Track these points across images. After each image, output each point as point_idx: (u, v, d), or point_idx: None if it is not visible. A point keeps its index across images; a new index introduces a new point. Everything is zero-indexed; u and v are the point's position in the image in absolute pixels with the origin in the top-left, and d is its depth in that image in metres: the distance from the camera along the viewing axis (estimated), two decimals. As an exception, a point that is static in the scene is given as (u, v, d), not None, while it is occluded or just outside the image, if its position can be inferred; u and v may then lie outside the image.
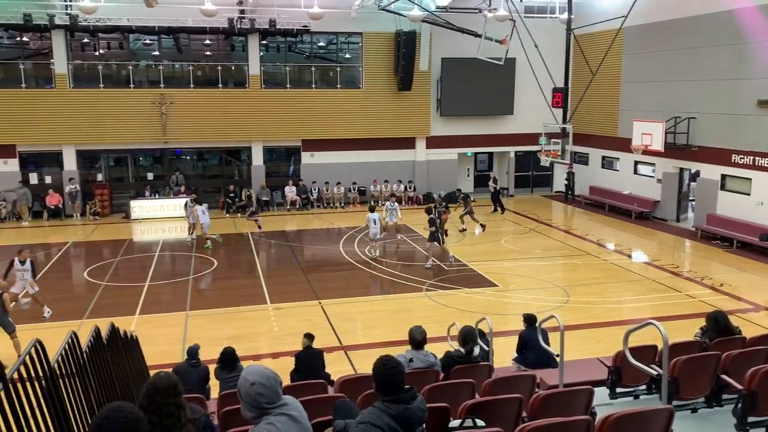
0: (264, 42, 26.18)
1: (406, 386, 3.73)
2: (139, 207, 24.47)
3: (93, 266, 17.88)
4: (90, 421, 4.20)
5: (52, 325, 12.73)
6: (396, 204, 20.81)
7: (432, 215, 17.65)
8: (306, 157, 27.10)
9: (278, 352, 11.68)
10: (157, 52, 25.94)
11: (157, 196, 25.21)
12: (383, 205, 21.70)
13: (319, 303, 14.57)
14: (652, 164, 24.15)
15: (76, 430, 3.87)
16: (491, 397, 5.51)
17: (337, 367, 10.02)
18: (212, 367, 8.75)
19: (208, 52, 26.86)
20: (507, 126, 28.64)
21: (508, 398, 5.15)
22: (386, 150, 27.37)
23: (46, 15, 22.58)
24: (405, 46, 25.70)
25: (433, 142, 28.02)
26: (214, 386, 8.81)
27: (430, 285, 15.77)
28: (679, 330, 9.98)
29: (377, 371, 3.74)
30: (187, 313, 13.96)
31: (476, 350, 7.05)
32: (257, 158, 26.66)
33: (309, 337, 9.18)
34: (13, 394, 3.00)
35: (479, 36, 23.60)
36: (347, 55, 27.91)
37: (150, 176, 26.50)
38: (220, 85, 25.85)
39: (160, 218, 24.07)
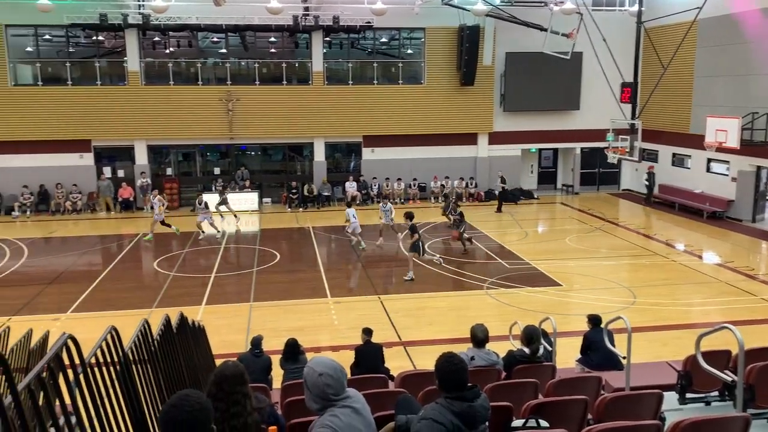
0: (327, 39, 26.45)
1: (469, 384, 3.70)
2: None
3: (162, 257, 18.53)
4: (159, 407, 4.35)
5: (124, 313, 13.26)
6: (390, 205, 20.17)
7: (413, 222, 16.19)
8: (367, 153, 27.25)
9: (338, 345, 11.80)
10: (224, 50, 26.60)
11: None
12: (383, 203, 20.46)
13: (379, 298, 14.63)
14: (727, 162, 23.11)
15: (147, 414, 4.00)
16: (555, 397, 5.40)
17: (396, 363, 10.04)
18: (275, 358, 8.92)
19: (272, 50, 27.36)
20: (573, 122, 27.99)
21: (573, 399, 5.04)
22: (447, 146, 27.21)
23: (120, 15, 23.51)
24: (468, 40, 25.46)
25: (496, 138, 27.68)
26: (277, 377, 9.02)
27: (491, 283, 15.60)
28: (754, 335, 9.54)
29: (440, 368, 3.72)
30: (250, 304, 14.28)
31: (540, 350, 6.93)
32: (319, 154, 26.99)
33: (368, 332, 9.24)
34: (91, 378, 3.13)
35: (545, 30, 23.14)
36: (409, 51, 27.88)
37: (217, 171, 27.23)
38: (284, 82, 26.29)
39: (225, 212, 24.64)
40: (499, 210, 25.08)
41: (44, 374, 2.66)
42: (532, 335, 6.91)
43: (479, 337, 6.71)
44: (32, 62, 25.19)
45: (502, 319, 12.01)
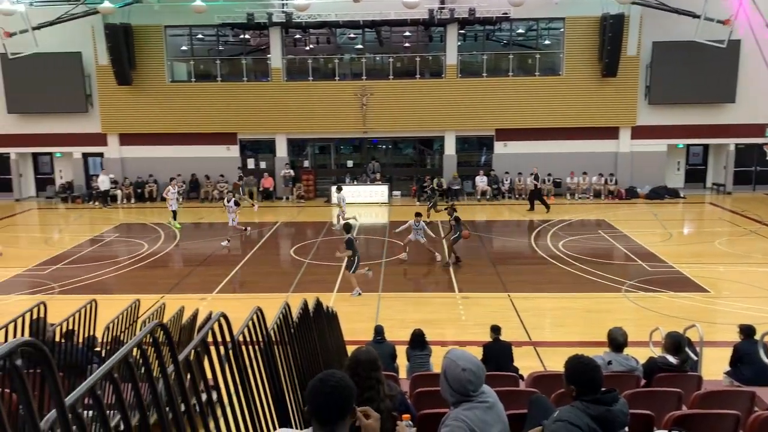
0: (462, 31, 26.28)
1: (604, 388, 3.54)
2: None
3: (298, 245, 19.36)
4: (297, 386, 4.54)
5: (262, 296, 14.01)
6: (422, 223, 17.19)
7: (351, 234, 14.61)
8: (499, 147, 26.80)
9: (464, 340, 11.70)
10: (360, 46, 27.26)
11: (355, 183, 26.59)
12: (415, 221, 17.10)
13: (508, 296, 14.34)
14: None
15: (286, 393, 4.19)
16: (702, 410, 5.02)
17: (525, 362, 9.80)
18: (399, 348, 9.06)
19: (407, 44, 27.64)
20: (727, 115, 25.76)
21: (724, 414, 4.65)
22: (585, 140, 26.08)
23: (265, 14, 24.81)
24: (611, 30, 24.21)
25: (639, 132, 26.11)
26: (401, 367, 9.16)
27: (630, 286, 14.77)
28: None
29: (572, 368, 3.59)
30: (379, 294, 14.55)
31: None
32: (449, 147, 26.93)
33: (496, 329, 9.11)
34: (239, 356, 3.32)
35: (698, 17, 21.47)
36: (547, 42, 27.02)
37: (350, 164, 28.03)
38: (417, 76, 26.47)
39: (357, 203, 25.32)
40: (531, 209, 23.64)
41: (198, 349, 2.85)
42: (678, 343, 6.44)
43: (619, 341, 6.37)
44: (186, 60, 27.24)
45: (641, 324, 11.34)
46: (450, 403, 3.47)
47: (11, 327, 4.79)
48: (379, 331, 9.12)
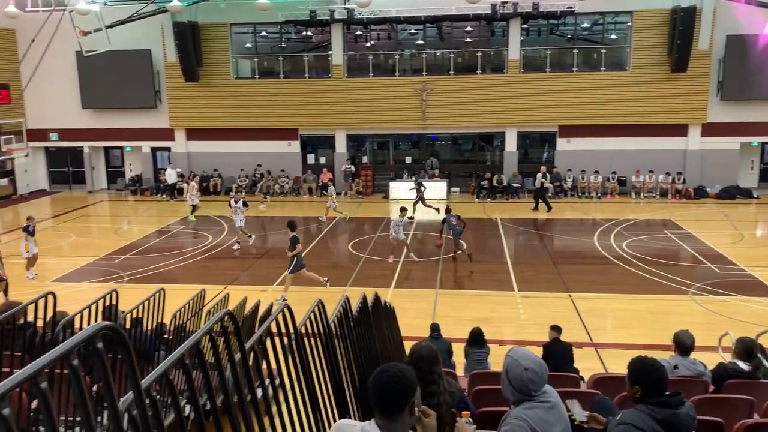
0: (525, 26, 25.86)
1: (669, 392, 3.44)
2: (396, 188, 26.06)
3: (356, 240, 19.51)
4: (356, 378, 4.57)
5: (316, 289, 14.17)
6: (405, 219, 17.22)
7: (294, 233, 14.01)
8: (562, 144, 26.24)
9: (522, 340, 11.54)
10: (421, 41, 27.19)
11: (413, 179, 26.51)
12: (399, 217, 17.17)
13: (569, 296, 14.05)
14: None
15: (345, 385, 4.23)
16: (778, 421, 4.78)
17: (585, 364, 9.60)
18: (456, 346, 9.03)
19: (468, 39, 27.39)
20: (807, 112, 24.44)
21: (802, 426, 4.42)
22: (652, 137, 25.22)
23: (327, 11, 25.05)
24: (682, 23, 23.30)
25: (710, 130, 25.06)
26: (458, 365, 9.12)
27: (697, 288, 14.24)
28: None
29: (637, 367, 3.51)
30: (436, 291, 14.51)
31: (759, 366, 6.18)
32: (510, 144, 26.55)
33: (557, 329, 8.96)
34: (302, 346, 3.38)
35: (776, 8, 20.41)
36: (613, 36, 26.26)
37: (408, 160, 28.02)
38: (479, 71, 26.19)
39: (414, 200, 25.27)
40: (537, 208, 23.12)
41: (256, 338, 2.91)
42: (750, 348, 6.17)
43: (686, 345, 6.14)
44: (251, 57, 27.80)
45: (709, 328, 10.92)
46: (511, 402, 3.44)
47: (86, 313, 5.02)
48: (435, 327, 9.14)
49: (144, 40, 26.23)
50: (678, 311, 13.01)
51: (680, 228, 19.94)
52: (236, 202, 18.67)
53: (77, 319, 4.95)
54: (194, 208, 21.99)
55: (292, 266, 13.88)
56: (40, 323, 4.97)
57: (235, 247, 18.47)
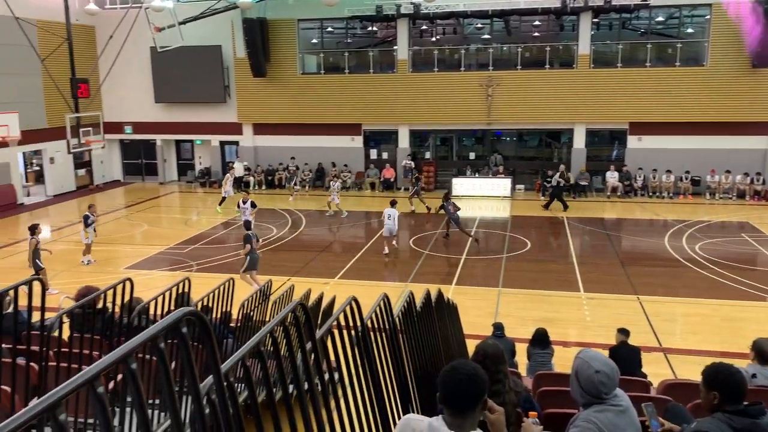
0: (596, 20, 25.15)
1: (747, 402, 3.28)
2: (459, 184, 25.87)
3: (417, 236, 19.49)
4: (420, 373, 4.56)
5: (382, 284, 14.27)
6: (395, 211, 17.07)
7: (250, 231, 13.94)
8: (632, 141, 25.41)
9: (587, 342, 11.26)
10: (487, 36, 26.85)
11: (476, 176, 26.31)
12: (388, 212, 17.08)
13: (638, 298, 13.62)
14: None
15: (408, 380, 4.23)
16: None
17: (654, 369, 9.27)
18: (518, 346, 8.89)
19: (536, 33, 26.86)
20: None
21: None
22: (730, 136, 24.09)
23: (393, 5, 25.05)
24: (767, 15, 22.14)
25: (793, 129, 23.77)
26: (521, 365, 8.99)
27: (776, 294, 13.54)
28: None
29: (714, 372, 3.36)
30: (499, 289, 14.33)
31: None
32: (578, 141, 25.91)
33: (624, 332, 8.71)
34: (368, 340, 3.39)
35: None
36: (690, 30, 25.22)
37: (472, 156, 27.76)
38: (547, 66, 25.65)
39: (478, 196, 25.04)
40: (548, 208, 22.61)
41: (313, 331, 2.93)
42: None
43: (767, 353, 5.84)
44: (317, 53, 28.14)
45: (790, 337, 10.35)
46: (579, 404, 3.35)
47: (160, 299, 5.20)
48: (498, 326, 9.05)
49: (214, 36, 26.94)
50: (754, 318, 12.42)
51: (758, 231, 19.01)
52: (244, 202, 18.37)
53: (152, 305, 5.14)
54: (223, 199, 22.48)
55: (245, 265, 13.73)
56: (113, 308, 5.17)
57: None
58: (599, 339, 10.93)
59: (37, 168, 28.87)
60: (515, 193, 25.80)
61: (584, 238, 19.55)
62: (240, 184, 27.30)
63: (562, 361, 9.52)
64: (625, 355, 8.32)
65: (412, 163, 26.84)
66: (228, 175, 23.73)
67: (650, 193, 24.77)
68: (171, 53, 25.04)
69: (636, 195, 24.74)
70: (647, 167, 24.86)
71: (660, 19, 25.53)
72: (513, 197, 25.38)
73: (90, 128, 24.03)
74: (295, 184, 26.35)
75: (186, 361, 1.46)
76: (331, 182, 23.13)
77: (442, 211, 18.56)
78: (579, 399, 3.29)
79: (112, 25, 24.35)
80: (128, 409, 3.85)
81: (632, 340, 8.80)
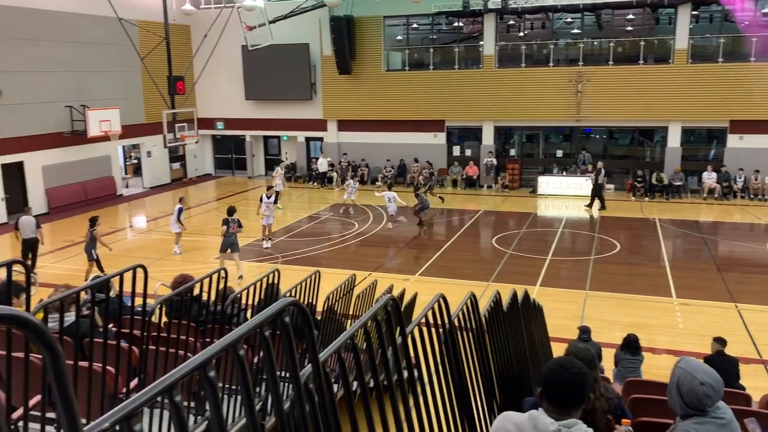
0: (695, 12, 23.88)
1: None
2: (545, 183, 25.28)
3: (500, 235, 19.19)
4: (506, 373, 4.48)
5: (463, 282, 14.13)
6: (393, 194, 19.85)
7: (228, 217, 14.87)
8: (733, 140, 23.97)
9: (678, 350, 10.76)
10: (577, 30, 26.06)
11: (564, 174, 25.61)
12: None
13: (736, 306, 12.86)
14: None
15: (493, 378, 4.17)
16: None
17: (753, 382, 8.73)
18: (605, 351, 8.60)
19: (629, 27, 25.81)
20: None
21: None
22: None
23: (481, 1, 24.74)
24: None
25: None
26: (606, 370, 8.69)
27: None
28: None
29: None
30: (586, 292, 13.90)
31: None
32: (673, 139, 24.71)
33: (721, 341, 8.24)
34: (455, 338, 3.36)
35: None
36: (800, 22, 23.50)
37: (559, 153, 27.04)
38: (641, 62, 24.61)
39: (564, 195, 24.39)
40: (590, 205, 22.23)
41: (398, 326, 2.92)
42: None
43: None
44: (401, 49, 28.21)
45: None
46: (677, 415, 3.19)
47: (251, 289, 5.37)
48: (585, 330, 8.79)
49: (302, 34, 27.52)
50: None
51: None
52: (268, 197, 17.79)
53: (243, 295, 5.31)
54: (277, 194, 22.40)
55: (220, 247, 15.04)
56: (208, 297, 5.37)
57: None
58: (692, 347, 10.44)
59: (135, 161, 30.48)
60: (604, 193, 24.90)
61: (677, 240, 18.65)
62: (324, 179, 27.82)
63: (651, 369, 9.13)
64: (722, 366, 7.82)
65: (494, 161, 26.45)
66: (278, 168, 23.98)
67: (751, 196, 23.31)
68: (261, 51, 25.81)
69: (735, 197, 23.34)
70: (748, 168, 23.37)
71: (767, 10, 23.93)
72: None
73: (185, 124, 25.20)
74: (344, 180, 26.55)
75: (288, 350, 1.49)
76: (350, 180, 23.52)
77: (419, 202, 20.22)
78: (678, 410, 3.13)
79: (206, 24, 25.39)
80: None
81: (729, 351, 8.34)
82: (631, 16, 25.37)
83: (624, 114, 24.55)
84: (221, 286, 4.99)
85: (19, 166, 22.24)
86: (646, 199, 23.77)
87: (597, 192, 22.33)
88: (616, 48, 25.08)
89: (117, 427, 1.03)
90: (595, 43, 25.85)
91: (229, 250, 14.89)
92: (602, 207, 22.25)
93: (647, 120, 24.87)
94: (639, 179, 24.38)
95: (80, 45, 23.95)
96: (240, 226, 15.00)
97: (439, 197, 22.64)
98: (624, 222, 20.81)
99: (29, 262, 14.60)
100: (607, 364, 9.02)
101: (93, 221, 14.65)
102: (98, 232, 14.73)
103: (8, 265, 3.51)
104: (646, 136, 26.23)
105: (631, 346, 8.17)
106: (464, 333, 3.78)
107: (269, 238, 18.01)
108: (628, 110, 24.35)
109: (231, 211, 15.11)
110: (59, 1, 23.03)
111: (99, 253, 14.66)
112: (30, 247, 14.97)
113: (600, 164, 22.89)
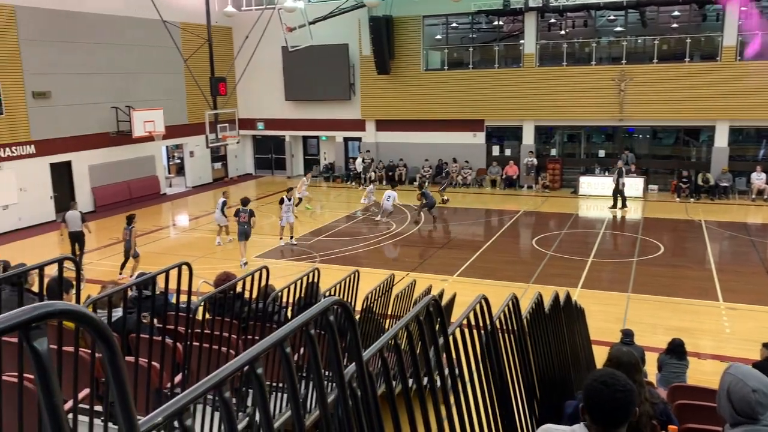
0: (744, 8, 23.13)
1: None
2: (587, 183, 24.87)
3: (540, 236, 18.95)
4: (547, 376, 4.42)
5: (502, 284, 14.00)
6: (394, 193, 20.73)
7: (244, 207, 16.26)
8: (785, 140, 23.20)
9: (725, 355, 10.47)
10: (620, 28, 25.56)
11: (606, 174, 25.13)
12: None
13: (787, 311, 12.44)
14: None
15: (534, 381, 4.12)
16: None
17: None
18: (648, 355, 8.41)
19: (674, 24, 25.20)
20: None
21: None
22: None
23: (521, -1, 24.52)
24: None
25: None
26: (649, 374, 8.50)
27: None
28: None
29: None
30: (628, 294, 13.62)
31: None
32: (720, 139, 24.01)
33: (771, 347, 7.96)
34: (497, 340, 3.33)
35: None
36: None
37: (601, 153, 26.55)
38: (687, 59, 23.99)
39: (607, 196, 23.94)
40: (615, 206, 21.89)
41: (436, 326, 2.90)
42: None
43: None
44: (440, 48, 28.10)
45: None
46: (726, 422, 3.09)
47: (291, 288, 5.41)
48: (628, 333, 8.60)
49: (341, 35, 27.66)
50: None
51: None
52: (289, 199, 18.12)
53: (284, 293, 5.36)
54: (300, 200, 22.28)
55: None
56: (250, 294, 5.44)
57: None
58: (739, 353, 10.14)
59: (178, 161, 31.09)
60: (648, 194, 24.40)
61: (724, 243, 18.14)
62: (361, 179, 27.91)
63: (696, 374, 8.90)
64: (772, 373, 7.62)
65: (534, 161, 26.14)
66: (304, 179, 23.86)
67: (804, 197, 22.53)
68: (300, 52, 26.03)
69: (787, 199, 22.59)
70: (802, 169, 22.58)
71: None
72: (645, 198, 24.02)
73: (226, 124, 25.57)
74: (365, 180, 26.57)
75: (332, 349, 1.49)
76: (370, 185, 23.95)
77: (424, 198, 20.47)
78: (728, 418, 3.03)
79: (247, 26, 25.73)
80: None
81: (781, 357, 8.04)
82: (676, 13, 24.77)
83: (669, 113, 23.98)
84: (263, 284, 5.04)
85: (67, 165, 22.91)
86: (692, 200, 23.16)
87: (619, 192, 22.14)
88: (661, 45, 24.50)
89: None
90: (639, 40, 25.31)
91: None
92: (623, 206, 22.08)
93: (693, 119, 24.23)
94: (684, 180, 23.77)
95: (125, 47, 24.56)
96: (252, 215, 16.08)
97: (443, 199, 22.56)
98: (668, 223, 20.33)
99: (77, 254, 15.49)
100: (650, 368, 8.83)
101: (130, 219, 15.13)
102: (136, 230, 15.14)
103: (59, 262, 3.62)
104: (692, 135, 25.56)
105: (676, 351, 7.97)
106: (505, 335, 3.74)
107: (291, 237, 18.29)
108: (674, 109, 23.77)
109: (245, 202, 16.33)
110: (105, 5, 23.65)
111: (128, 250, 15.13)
112: (76, 239, 15.73)
113: (620, 164, 22.81)
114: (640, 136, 26.37)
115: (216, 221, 18.52)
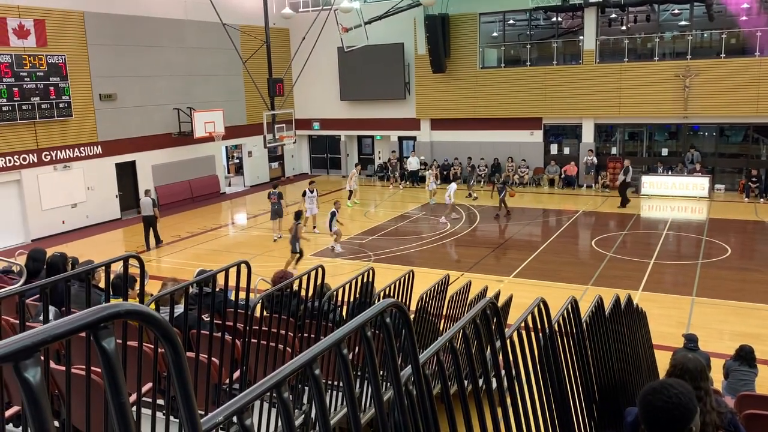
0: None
1: None
2: (649, 183, 24.12)
3: (600, 236, 18.50)
4: (609, 382, 4.30)
5: (560, 285, 13.73)
6: (453, 185, 21.46)
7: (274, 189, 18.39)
8: None
9: (800, 365, 9.94)
10: (685, 22, 24.67)
11: (669, 173, 24.33)
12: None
13: None
14: None
15: (593, 386, 4.01)
16: None
17: None
18: (714, 362, 8.09)
19: (744, 17, 24.10)
20: None
21: None
22: None
23: (580, -5, 23.95)
24: None
25: None
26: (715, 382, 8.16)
27: None
28: None
29: None
30: (693, 298, 13.14)
31: None
32: (794, 136, 22.89)
33: None
34: (555, 343, 3.26)
35: None
36: None
37: (664, 152, 25.70)
38: (757, 53, 22.95)
39: (670, 196, 23.19)
40: (622, 205, 21.79)
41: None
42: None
43: None
44: (497, 46, 27.77)
45: None
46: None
47: (346, 287, 5.44)
48: (692, 338, 8.29)
49: (397, 34, 27.68)
50: None
51: None
52: (311, 192, 19.58)
53: (339, 292, 5.40)
54: (351, 193, 23.34)
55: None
56: (307, 293, 5.49)
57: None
58: (816, 362, 9.59)
59: (237, 161, 31.78)
60: (714, 194, 23.48)
61: (797, 246, 17.27)
62: (415, 178, 27.88)
63: (766, 383, 8.50)
64: None
65: (594, 159, 25.53)
66: (354, 171, 24.46)
67: None
68: (356, 52, 26.18)
69: None
70: None
71: None
72: (711, 198, 23.12)
73: (283, 125, 25.98)
74: (396, 179, 26.48)
75: (389, 350, 1.48)
76: (430, 182, 24.20)
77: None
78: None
79: (304, 27, 26.06)
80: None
81: None
82: (745, 5, 23.70)
83: (737, 110, 23.00)
84: (319, 282, 5.09)
85: (132, 165, 23.74)
86: (761, 200, 22.16)
87: (623, 189, 22.06)
88: (729, 39, 23.53)
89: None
90: (705, 35, 24.37)
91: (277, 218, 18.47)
92: (622, 205, 22.02)
93: (763, 116, 23.16)
94: (753, 179, 22.76)
95: (187, 50, 25.27)
96: (281, 197, 18.50)
97: (473, 196, 23.88)
98: (736, 224, 19.52)
99: (151, 236, 18.13)
100: (715, 376, 8.49)
101: (298, 215, 15.96)
102: (301, 226, 15.77)
103: (125, 260, 3.74)
104: (762, 133, 24.41)
105: (746, 357, 7.64)
106: (564, 338, 3.66)
107: (314, 227, 19.57)
108: (742, 106, 22.78)
109: (275, 185, 18.88)
110: (167, 9, 24.38)
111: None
112: (149, 223, 18.15)
113: (627, 162, 22.59)
114: (706, 133, 25.39)
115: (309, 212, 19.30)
